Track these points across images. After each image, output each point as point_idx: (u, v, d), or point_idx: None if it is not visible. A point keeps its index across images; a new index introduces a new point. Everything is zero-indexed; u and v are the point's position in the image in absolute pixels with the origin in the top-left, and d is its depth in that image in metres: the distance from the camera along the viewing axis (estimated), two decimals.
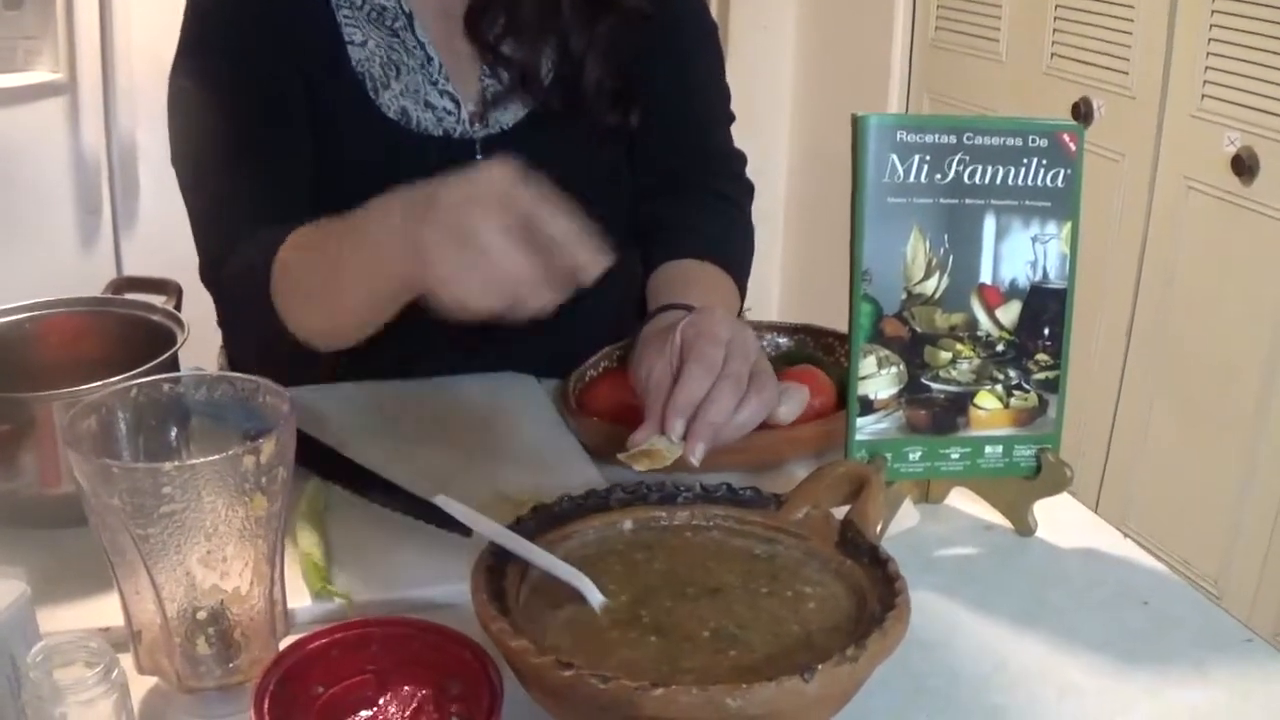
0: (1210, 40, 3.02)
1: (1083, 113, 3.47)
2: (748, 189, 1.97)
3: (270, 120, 1.70)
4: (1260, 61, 2.87)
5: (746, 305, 1.83)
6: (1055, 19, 3.61)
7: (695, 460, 1.28)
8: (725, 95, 1.97)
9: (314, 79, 1.71)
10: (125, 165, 3.84)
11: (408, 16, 1.74)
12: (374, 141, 1.73)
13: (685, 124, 1.90)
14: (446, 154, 1.72)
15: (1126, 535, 2.71)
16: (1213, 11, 3.00)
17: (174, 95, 1.74)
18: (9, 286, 3.34)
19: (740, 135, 1.99)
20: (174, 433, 1.14)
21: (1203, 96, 3.06)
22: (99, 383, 1.26)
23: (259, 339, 1.62)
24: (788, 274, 4.77)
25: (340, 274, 1.43)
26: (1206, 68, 3.04)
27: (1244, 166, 2.91)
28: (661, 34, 1.83)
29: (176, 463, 0.98)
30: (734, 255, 1.82)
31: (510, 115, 1.78)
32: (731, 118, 1.98)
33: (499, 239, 1.20)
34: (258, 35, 1.69)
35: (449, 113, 1.75)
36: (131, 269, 3.83)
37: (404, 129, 1.73)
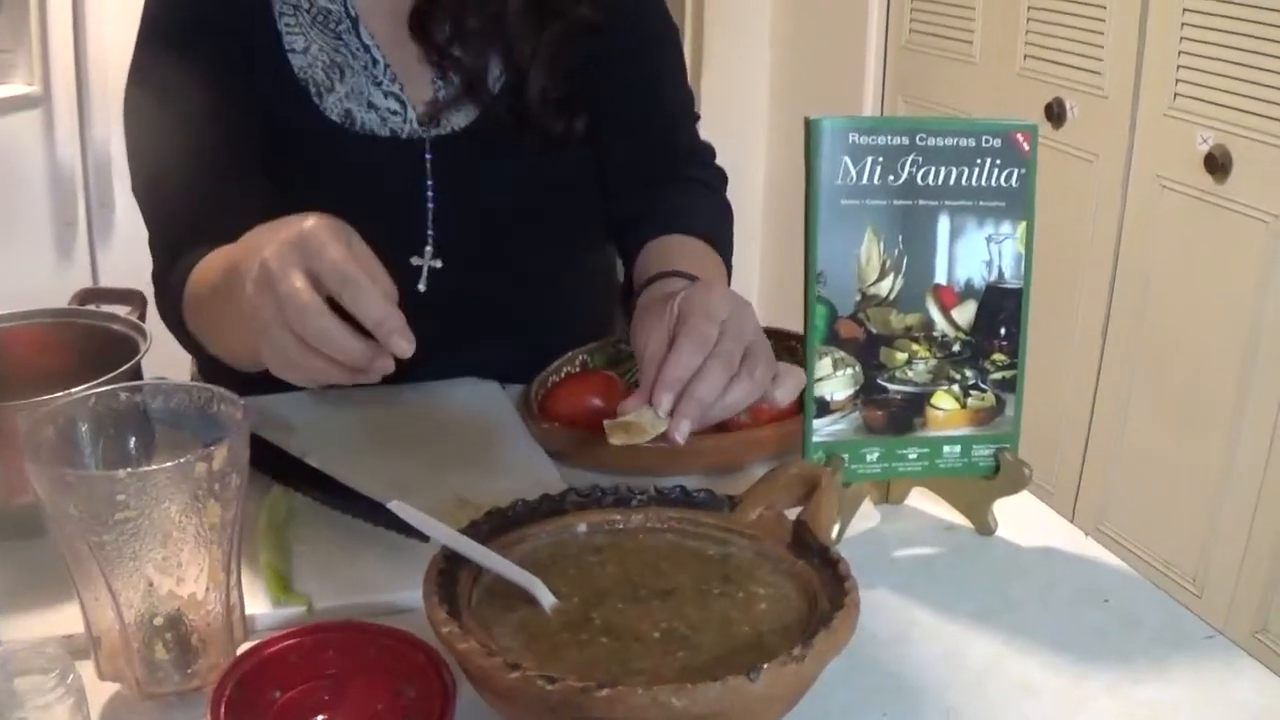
0: (1182, 39, 3.03)
1: (1056, 113, 3.48)
2: (721, 175, 1.98)
3: (216, 129, 1.71)
4: (1232, 59, 2.88)
5: None
6: (1028, 20, 3.63)
7: (680, 438, 1.26)
8: (688, 95, 1.98)
9: (259, 87, 1.73)
10: (100, 177, 3.87)
11: (352, 20, 1.74)
12: (319, 145, 1.74)
13: (649, 123, 1.90)
14: (395, 154, 1.75)
15: (1104, 533, 2.71)
16: (1184, 10, 3.01)
17: (126, 102, 1.77)
18: None
19: (716, 140, 2.00)
20: (133, 441, 1.15)
21: (1175, 95, 3.07)
22: (61, 393, 1.27)
23: (194, 351, 1.69)
24: (766, 276, 4.79)
25: (221, 309, 1.43)
26: (1179, 66, 3.05)
27: (1217, 164, 2.92)
28: (617, 36, 1.83)
29: (129, 470, 0.98)
30: (717, 233, 1.82)
31: (462, 117, 1.78)
32: (696, 116, 1.99)
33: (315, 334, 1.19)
34: (203, 47, 1.72)
35: (393, 113, 1.76)
36: (107, 280, 3.86)
37: (348, 131, 1.74)
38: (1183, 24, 3.02)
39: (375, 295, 1.19)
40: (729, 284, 1.75)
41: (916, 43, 4.20)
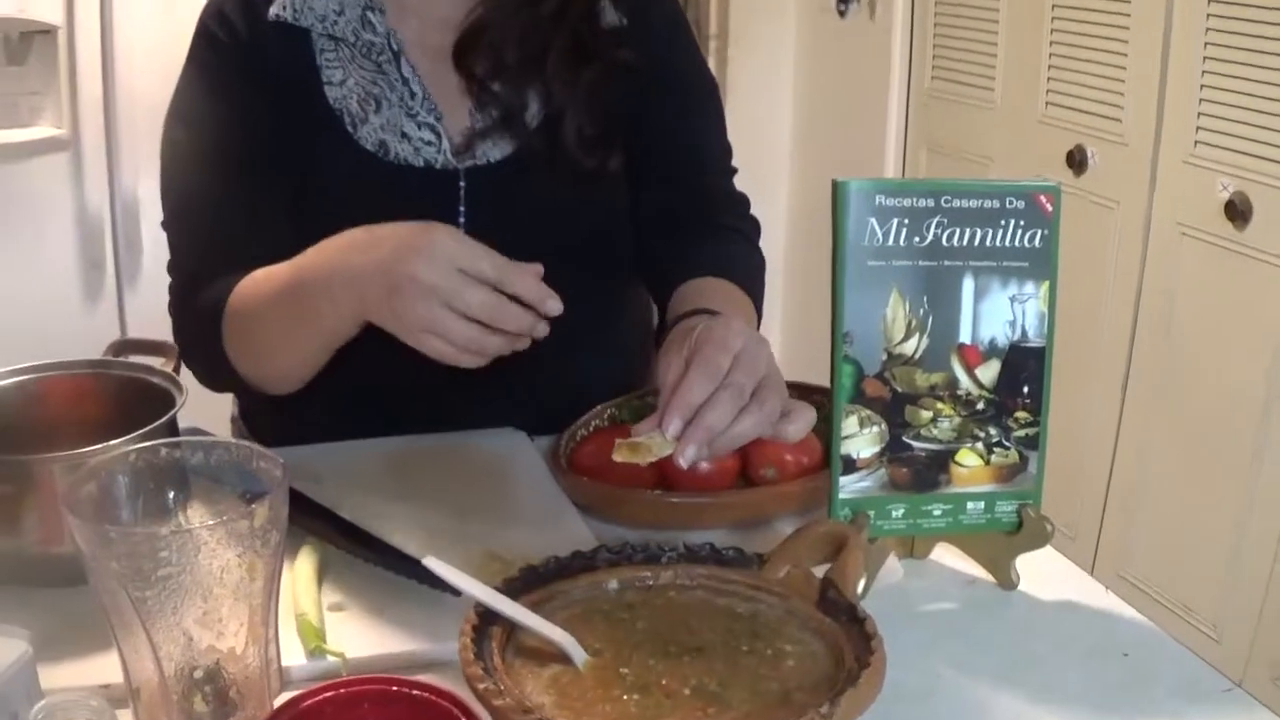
0: (1202, 87, 3.05)
1: (1077, 160, 3.50)
2: (755, 225, 2.00)
3: (248, 165, 1.76)
4: (1252, 107, 2.90)
5: None
6: (1049, 67, 3.65)
7: (683, 462, 1.28)
8: (727, 149, 2.00)
9: (293, 119, 1.77)
10: (128, 220, 3.85)
11: (394, 53, 1.78)
12: (353, 174, 1.78)
13: (686, 169, 1.93)
14: (429, 183, 1.78)
15: (1125, 579, 2.72)
16: (1204, 59, 3.03)
17: (164, 135, 1.83)
18: (13, 340, 3.36)
19: (742, 187, 2.02)
20: (172, 495, 1.17)
21: (1195, 143, 3.09)
22: (99, 445, 1.29)
23: (215, 381, 1.73)
24: (788, 328, 4.79)
25: (286, 322, 1.58)
26: (1199, 114, 3.07)
27: (1237, 212, 2.94)
28: (657, 82, 1.87)
29: (173, 527, 1.01)
30: (749, 279, 1.84)
31: (498, 150, 1.81)
32: (734, 170, 2.01)
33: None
34: (239, 84, 1.77)
35: (427, 143, 1.78)
36: (134, 323, 3.87)
37: (382, 161, 1.77)
38: (1203, 71, 3.04)
39: (527, 273, 1.41)
40: (757, 326, 1.78)
41: (939, 90, 4.21)
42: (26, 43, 3.78)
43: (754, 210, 2.00)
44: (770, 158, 4.89)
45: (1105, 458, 3.45)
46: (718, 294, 1.72)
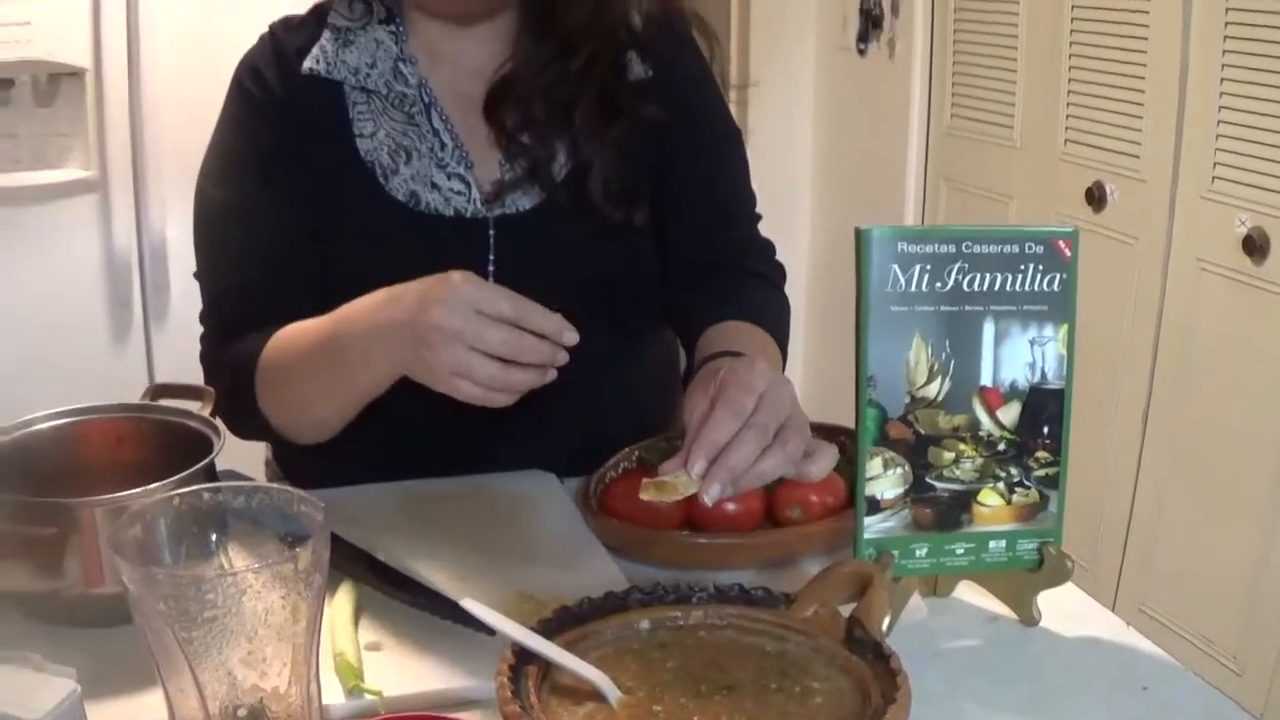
0: (1219, 123, 3.08)
1: (1096, 197, 3.52)
2: (780, 270, 2.02)
3: (279, 220, 1.80)
4: (1269, 142, 2.93)
5: None
6: (1068, 105, 3.68)
7: (708, 500, 1.30)
8: (751, 196, 2.02)
9: (326, 172, 1.80)
10: (156, 262, 3.86)
11: (426, 105, 1.81)
12: (385, 224, 1.80)
13: (712, 217, 1.95)
14: (459, 233, 1.81)
15: (1145, 613, 2.73)
16: (1221, 94, 3.06)
17: (198, 188, 1.85)
18: (43, 379, 3.39)
19: (763, 228, 2.05)
20: (214, 537, 1.20)
21: (1213, 178, 3.12)
22: (139, 489, 1.32)
23: (246, 430, 1.76)
24: (809, 367, 4.81)
25: (320, 377, 1.63)
26: (1216, 149, 3.10)
27: (1255, 246, 2.96)
28: (684, 134, 1.89)
29: (219, 570, 1.04)
30: (774, 322, 1.86)
31: (526, 200, 1.83)
32: (758, 216, 2.04)
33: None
34: (272, 140, 1.80)
35: (457, 193, 1.81)
36: (162, 363, 3.89)
37: (413, 211, 1.80)
38: (1220, 107, 3.07)
39: (540, 309, 1.44)
40: (782, 369, 1.80)
41: (958, 128, 4.24)
42: (55, 85, 3.80)
43: (775, 250, 2.04)
44: (791, 198, 4.92)
45: (1126, 491, 3.46)
46: (743, 338, 1.74)
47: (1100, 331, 3.46)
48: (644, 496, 1.32)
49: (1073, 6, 3.63)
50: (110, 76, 3.75)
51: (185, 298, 3.80)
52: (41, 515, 1.34)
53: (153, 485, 1.33)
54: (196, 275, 1.86)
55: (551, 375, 1.46)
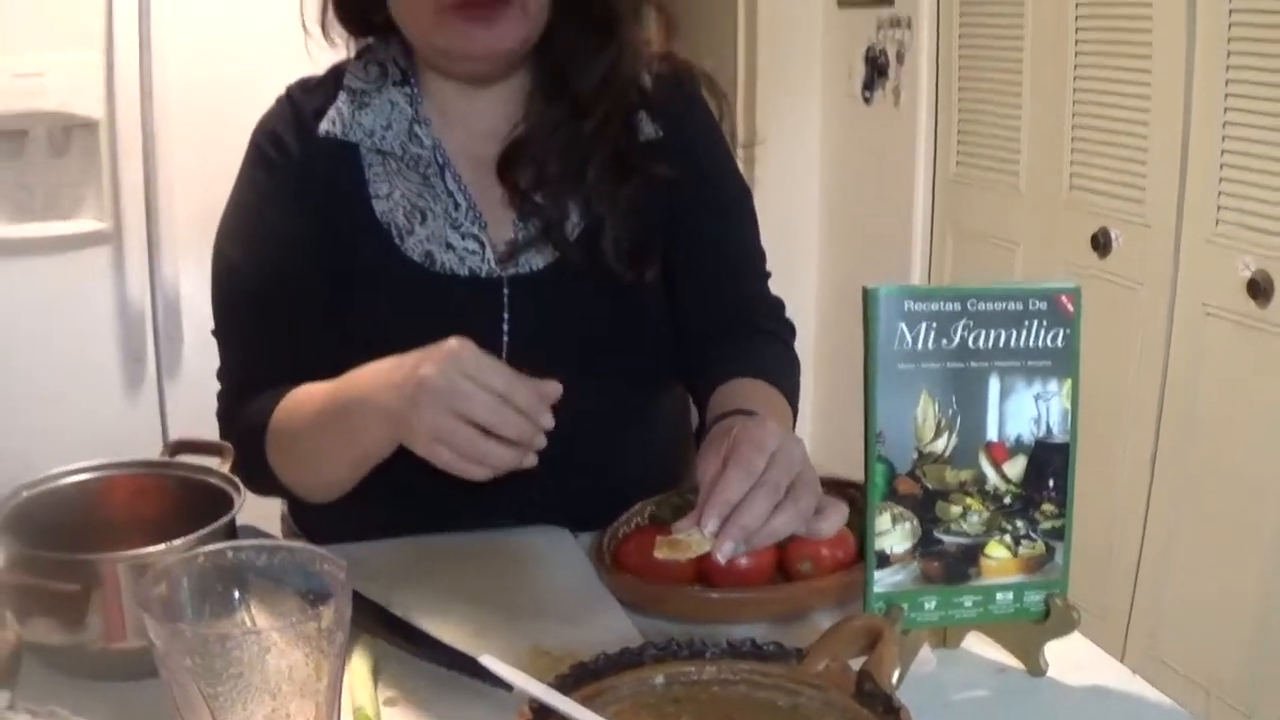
0: (1222, 166, 3.12)
1: (1101, 243, 3.56)
2: (790, 328, 2.04)
3: (295, 282, 1.83)
4: (1272, 185, 2.98)
5: None
6: (1072, 151, 3.73)
7: (721, 558, 1.33)
8: (760, 253, 2.04)
9: (342, 232, 1.83)
10: (169, 313, 3.88)
11: (440, 165, 1.84)
12: (400, 284, 1.83)
13: (723, 276, 1.97)
14: (473, 292, 1.83)
15: (1155, 657, 2.74)
16: (1224, 138, 3.11)
17: (215, 247, 1.88)
18: (56, 431, 3.42)
19: (772, 279, 2.07)
20: (236, 594, 1.22)
21: (1217, 222, 3.16)
22: (162, 546, 1.35)
23: (260, 488, 1.78)
24: (819, 420, 4.83)
25: (326, 438, 1.66)
26: (1220, 193, 3.14)
27: (1259, 290, 3.00)
28: (694, 194, 1.92)
29: (245, 628, 1.06)
30: (785, 381, 1.88)
31: (540, 259, 1.85)
32: (768, 274, 2.06)
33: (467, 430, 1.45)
34: (289, 203, 1.84)
35: (472, 253, 1.83)
36: (175, 416, 3.91)
37: (429, 271, 1.83)
38: (1223, 150, 3.12)
39: (525, 385, 1.46)
40: (793, 427, 1.82)
41: (964, 175, 4.29)
42: (68, 136, 3.82)
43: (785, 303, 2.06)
44: (799, 252, 4.98)
45: (1135, 537, 3.48)
46: (754, 395, 1.77)
47: (1107, 377, 3.49)
48: (658, 555, 1.35)
49: (1076, 54, 3.69)
50: (124, 128, 3.78)
51: (198, 350, 3.81)
52: (65, 571, 1.35)
53: (176, 542, 1.35)
54: (214, 333, 1.89)
55: (531, 461, 1.48)
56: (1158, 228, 3.39)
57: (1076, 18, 3.70)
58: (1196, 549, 3.29)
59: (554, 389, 1.47)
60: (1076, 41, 3.71)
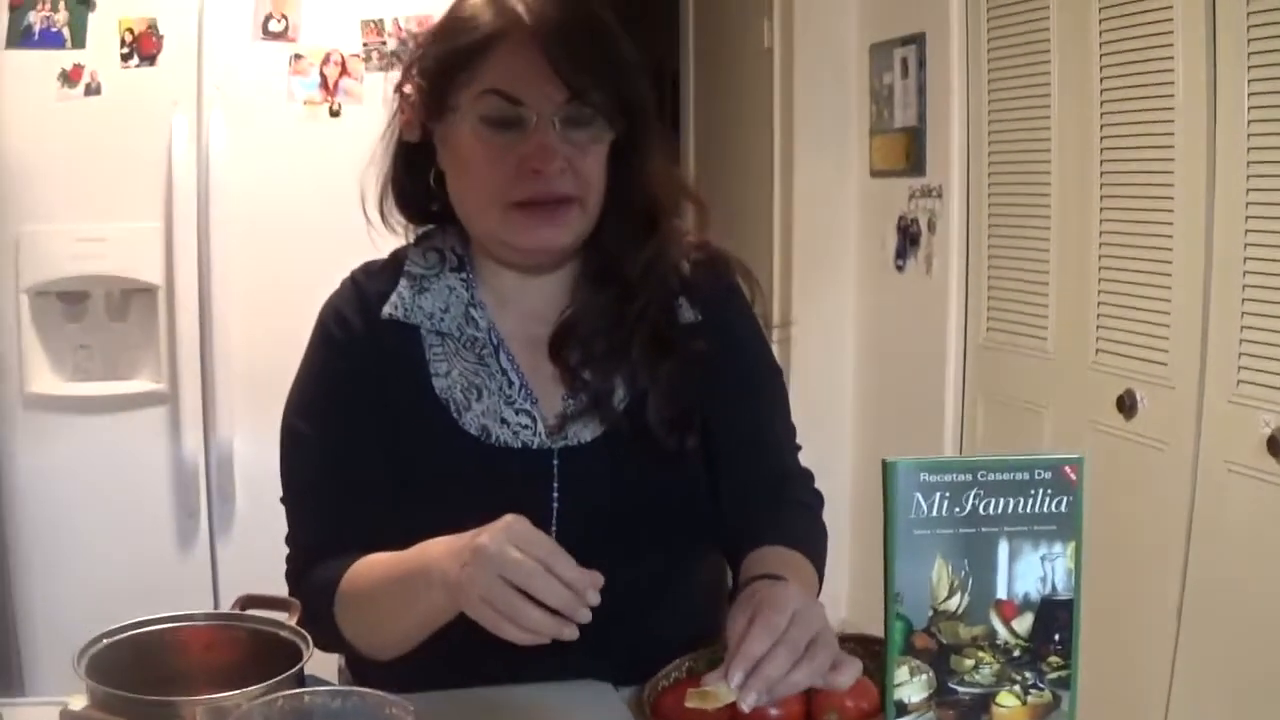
0: (1243, 328, 3.21)
1: (1127, 405, 3.63)
2: (819, 498, 2.16)
3: (359, 456, 1.96)
4: None
5: None
6: (1098, 316, 3.80)
7: (745, 707, 1.52)
8: (791, 429, 2.17)
9: (404, 409, 1.96)
10: (222, 472, 3.96)
11: (495, 346, 1.98)
12: (458, 456, 1.96)
13: (756, 451, 2.09)
14: (526, 463, 1.96)
15: None
16: (1244, 300, 3.19)
17: (284, 420, 2.03)
18: (110, 583, 3.52)
19: (808, 444, 2.19)
20: None
21: (1238, 382, 3.23)
22: (239, 692, 1.47)
23: (325, 644, 1.89)
24: (855, 581, 4.85)
25: (391, 603, 1.79)
26: (1240, 354, 3.22)
27: (1278, 446, 3.07)
28: (731, 375, 2.05)
29: None
30: (812, 547, 2.00)
31: (589, 431, 1.98)
32: (798, 447, 2.18)
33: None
34: (354, 382, 1.98)
35: (524, 427, 1.96)
36: (226, 573, 3.98)
37: (485, 444, 1.96)
38: (1243, 313, 3.20)
39: (572, 562, 1.57)
40: (819, 591, 1.94)
41: (994, 341, 4.37)
42: (127, 300, 3.98)
43: (819, 477, 2.18)
44: (834, 421, 5.11)
45: (1161, 695, 3.50)
46: (782, 562, 1.89)
47: (1133, 535, 3.55)
48: (689, 704, 1.54)
49: (1101, 221, 3.78)
50: (181, 294, 3.92)
51: (250, 509, 3.90)
52: (148, 713, 1.47)
53: (251, 689, 1.47)
54: (282, 500, 2.02)
55: (571, 633, 1.58)
56: (1181, 388, 3.45)
57: (1102, 185, 3.79)
58: (1224, 706, 3.30)
59: (596, 579, 1.59)
60: (1102, 209, 3.80)
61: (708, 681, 1.54)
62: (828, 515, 2.14)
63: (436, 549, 1.71)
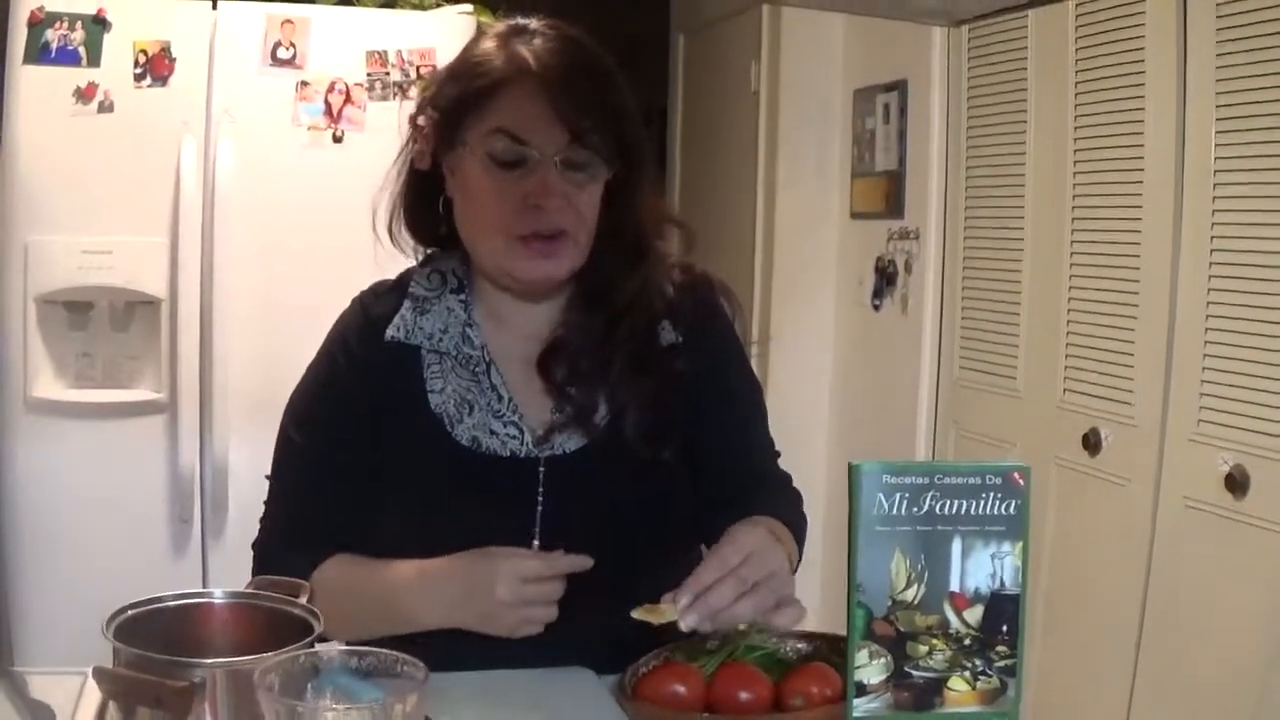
0: (1204, 369, 3.33)
1: (1092, 442, 3.76)
2: (798, 495, 2.31)
3: (338, 475, 2.13)
4: (1251, 386, 3.18)
5: None
6: (1067, 357, 3.92)
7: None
8: (769, 440, 2.32)
9: (400, 423, 2.11)
10: (217, 480, 4.04)
11: (487, 364, 2.12)
12: (451, 466, 2.10)
13: (735, 463, 2.23)
14: (514, 471, 2.10)
15: None
16: (1206, 343, 3.32)
17: (281, 426, 2.19)
18: (103, 584, 3.60)
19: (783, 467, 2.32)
20: (330, 689, 1.50)
21: (1199, 421, 3.34)
22: (261, 655, 1.59)
23: None
24: (826, 587, 4.87)
25: (372, 610, 2.03)
26: (1201, 394, 3.33)
27: (1236, 484, 3.19)
28: (712, 392, 2.19)
29: (345, 706, 1.34)
30: (793, 521, 2.17)
31: (573, 442, 2.11)
32: (777, 454, 2.33)
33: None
34: (353, 403, 2.14)
35: (512, 437, 2.10)
36: (217, 577, 4.06)
37: (475, 453, 2.09)
38: (1205, 355, 3.33)
39: (561, 560, 1.92)
40: (796, 567, 2.07)
41: (966, 379, 4.49)
42: (131, 311, 4.09)
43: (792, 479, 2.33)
44: (809, 444, 5.16)
45: None
46: (763, 519, 2.05)
47: (1094, 569, 3.68)
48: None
49: (1071, 264, 3.91)
50: (184, 307, 4.01)
51: (242, 518, 3.89)
52: (175, 673, 1.57)
53: (270, 654, 1.59)
54: (268, 477, 2.19)
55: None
56: (1144, 427, 3.57)
57: (1073, 231, 3.92)
58: None
59: (585, 561, 1.89)
60: (1072, 254, 3.92)
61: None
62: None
63: (424, 588, 2.00)
